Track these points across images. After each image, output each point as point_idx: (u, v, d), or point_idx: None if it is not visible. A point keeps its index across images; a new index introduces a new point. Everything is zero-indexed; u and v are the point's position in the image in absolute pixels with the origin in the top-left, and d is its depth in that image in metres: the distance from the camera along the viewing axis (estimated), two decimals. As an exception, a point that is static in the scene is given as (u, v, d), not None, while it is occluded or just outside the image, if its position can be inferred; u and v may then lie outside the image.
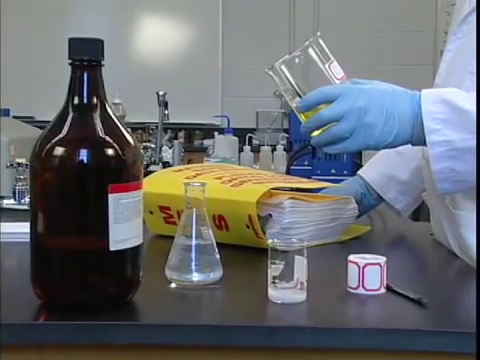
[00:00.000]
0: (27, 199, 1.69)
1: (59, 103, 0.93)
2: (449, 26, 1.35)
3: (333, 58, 1.13)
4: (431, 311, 0.94)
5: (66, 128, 0.90)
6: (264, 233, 1.23)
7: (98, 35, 0.95)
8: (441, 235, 1.29)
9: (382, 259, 1.00)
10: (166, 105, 2.82)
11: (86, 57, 0.91)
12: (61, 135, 0.90)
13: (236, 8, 5.49)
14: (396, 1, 5.30)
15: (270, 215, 1.25)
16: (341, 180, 1.59)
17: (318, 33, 1.14)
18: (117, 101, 2.95)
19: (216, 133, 3.90)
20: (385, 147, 1.11)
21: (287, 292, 0.95)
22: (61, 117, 0.91)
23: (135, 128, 3.54)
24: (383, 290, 1.00)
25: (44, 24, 5.47)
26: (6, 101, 3.46)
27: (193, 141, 5.47)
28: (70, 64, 0.92)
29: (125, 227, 0.91)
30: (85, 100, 0.92)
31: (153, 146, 2.75)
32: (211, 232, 1.05)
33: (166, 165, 2.70)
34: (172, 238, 1.06)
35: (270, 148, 3.42)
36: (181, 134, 5.37)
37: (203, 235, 1.04)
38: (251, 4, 5.50)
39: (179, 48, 5.59)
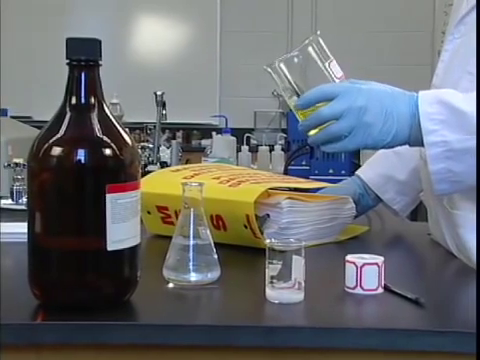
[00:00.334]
0: (25, 199, 1.69)
1: (57, 103, 0.93)
2: (447, 26, 1.35)
3: (332, 57, 1.13)
4: (429, 311, 0.94)
5: (64, 128, 0.90)
6: (262, 233, 1.23)
7: (96, 35, 0.95)
8: (439, 235, 1.30)
9: (380, 259, 1.00)
10: (164, 105, 2.82)
11: (84, 57, 0.91)
12: (59, 135, 0.90)
13: (234, 8, 5.49)
14: (394, 1, 5.30)
15: (268, 215, 1.25)
16: (339, 180, 1.59)
17: (318, 32, 1.14)
18: (115, 101, 2.95)
19: (214, 133, 3.91)
20: (383, 147, 1.11)
21: (285, 292, 0.95)
22: (59, 117, 0.91)
23: (133, 128, 3.54)
24: (381, 290, 1.00)
25: (42, 24, 5.47)
26: (4, 101, 3.46)
27: (191, 141, 5.47)
28: (68, 64, 0.92)
29: (123, 227, 0.91)
30: (83, 100, 0.92)
31: (151, 146, 2.75)
32: (209, 232, 1.05)
33: (164, 165, 2.70)
34: (170, 238, 1.06)
35: (268, 148, 3.42)
36: (179, 134, 5.37)
37: (201, 235, 1.04)
38: (249, 4, 5.50)
39: (177, 48, 5.59)
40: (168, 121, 2.90)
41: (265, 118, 5.47)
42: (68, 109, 0.91)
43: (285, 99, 1.16)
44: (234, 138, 3.34)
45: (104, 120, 0.92)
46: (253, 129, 5.27)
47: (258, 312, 0.95)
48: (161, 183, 1.37)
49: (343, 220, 1.36)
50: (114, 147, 0.91)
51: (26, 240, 0.93)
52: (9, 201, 1.74)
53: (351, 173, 2.05)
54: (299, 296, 0.95)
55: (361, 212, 1.48)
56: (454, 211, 1.21)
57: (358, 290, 0.99)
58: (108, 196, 0.89)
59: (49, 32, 5.36)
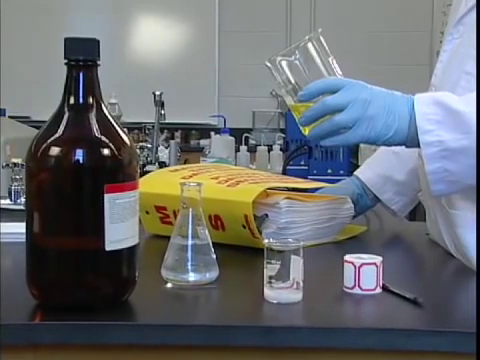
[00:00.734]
0: (23, 199, 1.69)
1: (55, 103, 0.93)
2: (445, 26, 1.35)
3: (332, 56, 1.13)
4: (427, 311, 0.94)
5: (62, 128, 0.90)
6: (260, 233, 1.23)
7: (94, 35, 0.95)
8: (437, 235, 1.30)
9: (378, 259, 1.01)
10: (162, 105, 2.82)
11: (82, 57, 0.91)
12: (57, 135, 0.90)
13: (233, 8, 5.49)
14: (392, 2, 5.30)
15: (266, 215, 1.25)
16: (337, 180, 1.60)
17: (319, 30, 1.14)
18: (113, 101, 2.95)
19: (212, 133, 3.91)
20: (384, 142, 1.10)
21: (283, 292, 0.95)
22: (57, 117, 0.91)
23: (131, 128, 3.54)
24: (379, 290, 1.00)
25: (40, 24, 5.46)
26: (3, 101, 3.45)
27: (189, 141, 5.47)
28: (66, 64, 0.92)
29: (121, 227, 0.91)
30: (81, 100, 0.92)
31: (149, 146, 2.75)
32: (207, 232, 1.05)
33: (162, 165, 2.70)
34: (168, 238, 1.06)
35: (266, 148, 3.42)
36: (177, 134, 5.37)
37: (199, 235, 1.04)
38: (248, 4, 5.50)
39: (175, 48, 5.59)
40: (166, 121, 2.90)
41: (264, 118, 5.47)
42: (66, 109, 0.91)
43: (283, 96, 1.16)
44: (232, 138, 3.34)
45: (102, 120, 0.92)
46: (252, 129, 5.27)
47: (256, 312, 0.95)
48: (159, 183, 1.37)
49: (341, 220, 1.36)
50: (112, 147, 0.90)
51: (24, 240, 0.93)
52: (7, 201, 1.74)
53: (349, 173, 2.05)
54: (297, 296, 0.95)
55: (359, 212, 1.48)
56: (452, 211, 1.21)
57: (356, 290, 0.99)
58: (106, 196, 0.89)
59: (45, 32, 5.36)
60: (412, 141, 1.10)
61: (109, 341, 0.87)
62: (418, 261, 1.34)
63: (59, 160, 0.89)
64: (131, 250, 0.93)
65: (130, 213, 0.92)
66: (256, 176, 1.37)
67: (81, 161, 0.89)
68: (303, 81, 1.13)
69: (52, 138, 0.90)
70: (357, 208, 1.42)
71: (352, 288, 0.99)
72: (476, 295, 0.96)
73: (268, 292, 0.95)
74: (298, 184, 1.38)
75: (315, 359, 0.89)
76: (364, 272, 0.99)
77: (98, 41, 0.93)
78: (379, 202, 1.53)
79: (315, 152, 2.27)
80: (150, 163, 2.68)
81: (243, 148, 3.39)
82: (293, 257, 0.95)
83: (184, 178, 1.32)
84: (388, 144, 1.11)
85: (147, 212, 1.35)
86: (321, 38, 1.13)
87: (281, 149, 3.40)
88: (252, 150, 3.52)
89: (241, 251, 1.24)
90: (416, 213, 2.20)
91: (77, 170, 0.89)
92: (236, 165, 2.92)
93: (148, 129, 2.96)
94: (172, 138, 4.50)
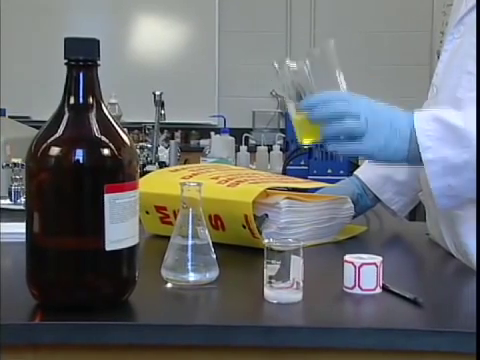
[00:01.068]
0: (23, 199, 1.69)
1: (55, 103, 0.93)
2: (446, 26, 1.35)
3: (340, 68, 1.13)
4: (427, 311, 0.94)
5: (62, 128, 0.90)
6: (260, 233, 1.23)
7: (94, 35, 0.95)
8: (437, 235, 1.30)
9: (378, 259, 1.01)
10: (162, 105, 2.82)
11: (82, 57, 0.91)
12: (57, 135, 0.90)
13: (233, 8, 5.49)
14: (393, 1, 5.30)
15: (266, 215, 1.25)
16: (337, 180, 1.59)
17: (332, 40, 1.14)
18: (113, 101, 2.95)
19: (212, 133, 3.90)
20: (386, 157, 1.09)
21: (283, 292, 0.95)
22: (57, 117, 0.91)
23: (131, 128, 3.54)
24: (379, 290, 1.00)
25: (40, 24, 5.46)
26: (3, 101, 3.45)
27: (189, 141, 5.47)
28: (66, 64, 0.92)
29: (121, 227, 0.91)
30: (81, 100, 0.92)
31: (149, 146, 2.75)
32: (207, 232, 1.05)
33: (162, 165, 2.70)
34: (168, 238, 1.06)
35: (266, 148, 3.42)
36: (177, 134, 5.37)
37: (199, 235, 1.04)
38: (248, 4, 5.50)
39: (175, 48, 5.59)
40: (167, 121, 2.90)
41: (263, 118, 5.47)
42: (66, 109, 0.91)
43: (285, 99, 1.16)
44: (232, 138, 3.34)
45: (102, 120, 0.92)
46: (251, 129, 5.27)
47: (256, 312, 0.95)
48: (159, 183, 1.37)
49: (341, 220, 1.36)
50: (112, 147, 0.90)
51: (24, 240, 0.93)
52: (7, 201, 1.74)
53: (349, 173, 2.04)
54: (297, 296, 0.95)
55: (359, 212, 1.48)
56: (453, 211, 1.21)
57: (356, 290, 0.99)
58: (106, 196, 0.89)
59: (45, 32, 5.35)
60: (413, 157, 1.09)
61: (109, 341, 0.87)
62: (418, 261, 1.34)
63: (59, 160, 0.89)
64: (131, 250, 0.94)
65: (130, 213, 0.92)
66: (256, 176, 1.37)
67: (81, 161, 0.89)
68: (308, 88, 1.13)
69: (52, 138, 0.90)
70: (357, 208, 1.42)
71: (352, 288, 0.99)
72: (476, 295, 0.96)
73: (268, 292, 0.95)
74: (298, 184, 1.38)
75: (315, 359, 0.89)
76: (364, 272, 0.99)
77: (98, 41, 0.93)
78: (379, 202, 1.53)
79: (315, 152, 2.27)
80: (150, 163, 2.68)
81: (243, 148, 3.39)
82: (293, 257, 0.95)
83: (184, 178, 1.32)
84: (389, 161, 1.10)
85: (147, 212, 1.35)
86: (333, 48, 1.13)
87: (281, 149, 3.40)
88: (252, 150, 3.52)
89: (241, 251, 1.24)
90: (416, 213, 2.20)
91: (77, 170, 0.89)
92: (236, 165, 2.92)
93: (148, 129, 2.96)
94: (172, 138, 4.50)
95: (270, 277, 0.95)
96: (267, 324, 0.90)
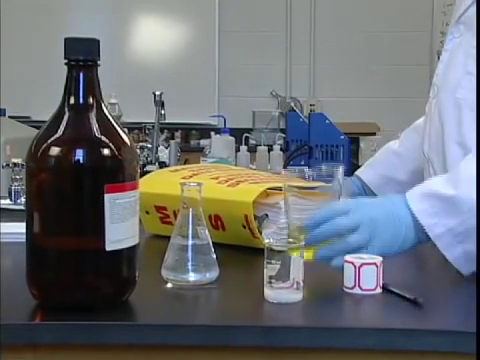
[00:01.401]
0: (23, 199, 1.68)
1: (55, 103, 0.93)
2: (447, 26, 1.35)
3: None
4: (427, 311, 0.94)
5: (62, 128, 0.90)
6: (260, 233, 1.23)
7: (94, 35, 0.95)
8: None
9: (378, 259, 1.01)
10: (162, 105, 2.81)
11: (82, 57, 0.91)
12: (57, 135, 0.90)
13: (233, 8, 5.49)
14: (393, 1, 5.30)
15: (266, 215, 1.25)
16: (337, 180, 1.59)
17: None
18: (113, 101, 2.94)
19: (213, 133, 3.90)
20: (399, 248, 1.07)
21: (283, 292, 0.95)
22: (57, 117, 0.91)
23: (131, 128, 3.54)
24: (379, 290, 1.00)
25: (40, 24, 5.46)
26: (3, 101, 3.45)
27: (190, 141, 5.47)
28: (66, 64, 0.92)
29: (121, 227, 0.91)
30: (81, 100, 0.92)
31: (149, 146, 2.75)
32: (207, 232, 1.05)
33: (162, 165, 2.70)
34: (168, 238, 1.06)
35: (267, 148, 3.42)
36: (177, 134, 5.36)
37: (199, 235, 1.04)
38: (248, 4, 5.50)
39: (175, 48, 5.58)
40: (167, 121, 2.90)
41: (264, 118, 5.46)
42: (66, 109, 0.91)
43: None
44: (233, 138, 3.33)
45: (102, 120, 0.92)
46: (252, 129, 5.26)
47: (256, 312, 0.95)
48: (160, 183, 1.37)
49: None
50: (112, 147, 0.90)
51: (24, 240, 0.93)
52: (7, 201, 1.74)
53: (349, 173, 2.04)
54: (297, 296, 0.95)
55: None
56: None
57: (356, 290, 0.99)
58: (106, 196, 0.89)
59: (46, 32, 5.35)
60: (423, 237, 1.07)
61: (109, 341, 0.87)
62: (418, 261, 1.34)
63: (59, 160, 0.89)
64: (131, 250, 0.94)
65: (130, 213, 0.92)
66: (256, 176, 1.37)
67: (81, 161, 0.89)
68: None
69: (52, 138, 0.90)
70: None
71: (352, 288, 0.99)
72: (476, 295, 0.95)
73: (268, 292, 0.95)
74: (298, 184, 1.37)
75: (315, 359, 0.89)
76: (364, 272, 0.99)
77: (98, 41, 0.93)
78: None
79: (315, 152, 2.27)
80: (150, 163, 2.68)
81: (243, 148, 3.38)
82: (293, 257, 0.95)
83: (184, 178, 1.32)
84: (400, 251, 1.08)
85: (147, 212, 1.35)
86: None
87: (281, 149, 3.40)
88: (252, 150, 3.52)
89: (241, 251, 1.24)
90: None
91: (77, 170, 0.89)
92: (236, 165, 2.92)
93: (148, 129, 2.96)
94: (172, 138, 4.50)
95: (270, 277, 0.95)
96: (267, 324, 0.90)
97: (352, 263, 0.99)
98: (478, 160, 1.07)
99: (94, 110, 0.92)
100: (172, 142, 2.96)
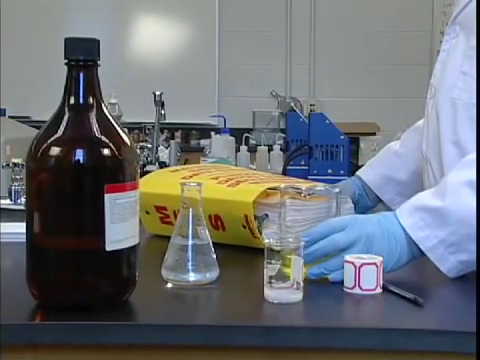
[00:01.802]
0: (23, 199, 1.68)
1: (55, 103, 0.93)
2: (446, 26, 1.35)
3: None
4: (427, 311, 0.94)
5: (62, 128, 0.90)
6: (260, 233, 1.23)
7: (94, 35, 0.95)
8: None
9: (378, 259, 1.01)
10: (162, 105, 2.81)
11: (82, 57, 0.91)
12: (57, 135, 0.90)
13: (233, 8, 5.49)
14: (393, 1, 5.30)
15: (266, 215, 1.25)
16: (338, 180, 1.60)
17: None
18: (113, 101, 2.94)
19: (213, 133, 3.90)
20: (395, 265, 1.07)
21: (283, 292, 0.95)
22: (57, 117, 0.91)
23: (131, 128, 3.54)
24: (379, 290, 1.00)
25: (40, 24, 5.46)
26: (3, 101, 3.45)
27: (190, 141, 5.47)
28: (66, 64, 0.92)
29: (121, 227, 0.91)
30: (81, 100, 0.92)
31: (149, 146, 2.74)
32: (207, 232, 1.05)
33: (163, 165, 2.70)
34: (168, 238, 1.06)
35: (267, 148, 3.42)
36: (178, 134, 5.36)
37: (199, 235, 1.04)
38: (248, 4, 5.50)
39: (175, 48, 5.58)
40: (167, 121, 2.89)
41: (264, 118, 5.46)
42: (66, 109, 0.91)
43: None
44: (233, 138, 3.33)
45: (102, 120, 0.92)
46: (252, 129, 5.26)
47: (257, 312, 0.95)
48: (160, 183, 1.37)
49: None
50: (113, 147, 0.90)
51: (24, 240, 0.93)
52: (7, 201, 1.74)
53: (350, 173, 2.04)
54: (298, 296, 0.95)
55: (360, 213, 1.47)
56: None
57: (357, 290, 0.99)
58: (107, 196, 0.89)
59: (46, 32, 5.35)
60: (417, 252, 1.07)
61: (109, 341, 0.87)
62: (418, 261, 1.34)
63: (59, 160, 0.89)
64: (131, 250, 0.94)
65: (130, 213, 0.92)
66: (256, 176, 1.37)
67: (81, 161, 0.89)
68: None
69: (52, 138, 0.90)
70: (357, 208, 1.42)
71: (352, 288, 0.99)
72: (476, 295, 0.95)
73: (268, 292, 0.95)
74: (299, 184, 1.38)
75: (315, 359, 0.89)
76: (364, 272, 0.99)
77: (98, 41, 0.93)
78: (380, 202, 1.53)
79: (315, 152, 2.27)
80: (150, 163, 2.68)
81: (243, 148, 3.38)
82: (293, 257, 0.95)
83: (184, 178, 1.32)
84: (398, 267, 1.08)
85: (147, 212, 1.35)
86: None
87: (281, 149, 3.40)
88: (252, 150, 3.52)
89: (241, 251, 1.24)
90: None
91: (77, 170, 0.89)
92: (236, 165, 2.92)
93: (148, 129, 2.96)
94: (172, 138, 4.50)
95: (270, 277, 0.95)
96: (267, 324, 0.90)
97: (352, 263, 0.99)
98: (478, 162, 1.07)
99: (94, 110, 0.92)
100: (172, 142, 2.95)
